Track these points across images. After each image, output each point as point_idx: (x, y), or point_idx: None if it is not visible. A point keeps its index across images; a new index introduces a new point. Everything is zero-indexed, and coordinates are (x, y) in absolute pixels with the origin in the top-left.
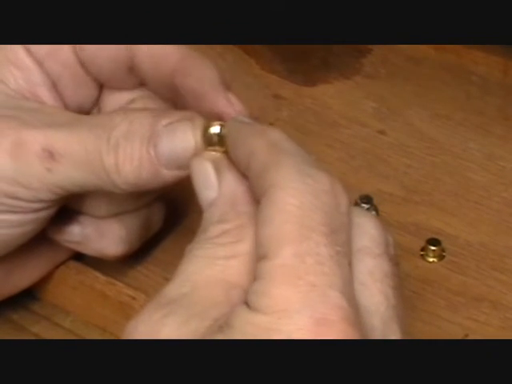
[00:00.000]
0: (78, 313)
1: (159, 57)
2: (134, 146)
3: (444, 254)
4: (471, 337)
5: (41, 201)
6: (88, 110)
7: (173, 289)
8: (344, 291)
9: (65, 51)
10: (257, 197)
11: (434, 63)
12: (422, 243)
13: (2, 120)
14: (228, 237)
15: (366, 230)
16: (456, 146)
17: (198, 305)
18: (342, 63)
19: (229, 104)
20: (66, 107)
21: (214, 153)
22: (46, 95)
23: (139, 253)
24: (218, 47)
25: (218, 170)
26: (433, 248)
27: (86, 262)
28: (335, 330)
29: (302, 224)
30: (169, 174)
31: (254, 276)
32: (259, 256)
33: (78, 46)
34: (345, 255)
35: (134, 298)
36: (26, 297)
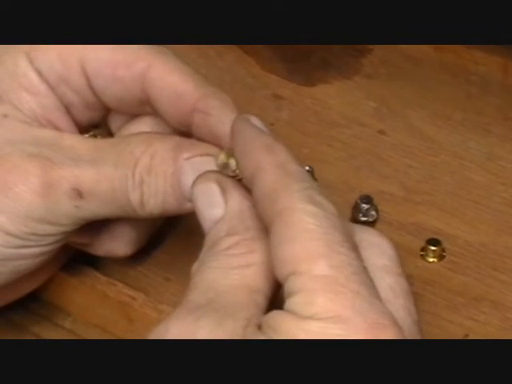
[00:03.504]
0: (78, 313)
1: (177, 96)
2: (158, 181)
3: (444, 254)
4: (471, 337)
5: (64, 232)
6: (98, 123)
7: (198, 295)
8: (381, 300)
9: (77, 78)
10: (263, 215)
11: (434, 63)
12: (422, 243)
13: (28, 160)
14: (239, 248)
15: (385, 250)
16: (456, 145)
17: (226, 307)
18: (341, 63)
19: None
20: (78, 125)
21: (215, 173)
22: (59, 119)
23: (139, 253)
24: (218, 47)
25: (223, 189)
26: (433, 248)
27: (86, 262)
28: (389, 333)
29: (328, 240)
30: (192, 205)
31: (286, 292)
32: (286, 273)
33: (90, 74)
34: (367, 271)
35: (134, 298)
36: (27, 297)
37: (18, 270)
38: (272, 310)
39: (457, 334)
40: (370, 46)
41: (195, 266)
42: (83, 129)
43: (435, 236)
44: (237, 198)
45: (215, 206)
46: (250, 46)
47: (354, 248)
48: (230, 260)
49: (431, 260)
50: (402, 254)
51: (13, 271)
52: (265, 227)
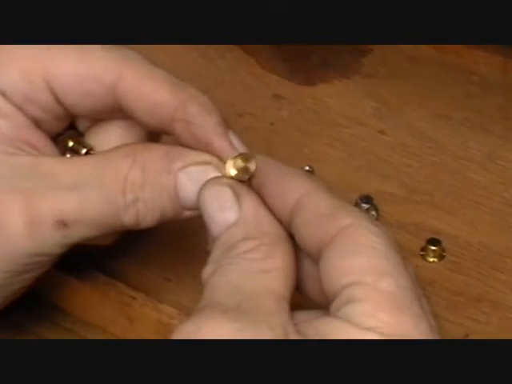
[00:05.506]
0: (78, 313)
1: (153, 106)
2: (154, 196)
3: (444, 253)
4: (471, 337)
5: (59, 255)
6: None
7: (225, 297)
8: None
9: (43, 95)
10: (318, 235)
11: (434, 63)
12: (422, 243)
13: (8, 196)
14: (259, 252)
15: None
16: (456, 145)
17: (258, 312)
18: (341, 63)
19: (232, 148)
20: (50, 135)
21: (226, 178)
22: (31, 135)
23: (139, 253)
24: (219, 47)
25: (237, 193)
26: (433, 248)
27: (86, 262)
28: None
29: (394, 262)
30: (190, 213)
31: (343, 300)
32: (347, 282)
33: (57, 91)
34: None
35: (134, 298)
36: (27, 297)
37: (20, 288)
38: (320, 317)
39: (457, 334)
40: (370, 46)
41: (208, 268)
42: (56, 135)
43: (435, 236)
44: (251, 203)
45: (228, 209)
46: (250, 46)
47: (410, 274)
48: (250, 264)
49: (431, 260)
50: (402, 254)
51: (15, 290)
52: (282, 234)
